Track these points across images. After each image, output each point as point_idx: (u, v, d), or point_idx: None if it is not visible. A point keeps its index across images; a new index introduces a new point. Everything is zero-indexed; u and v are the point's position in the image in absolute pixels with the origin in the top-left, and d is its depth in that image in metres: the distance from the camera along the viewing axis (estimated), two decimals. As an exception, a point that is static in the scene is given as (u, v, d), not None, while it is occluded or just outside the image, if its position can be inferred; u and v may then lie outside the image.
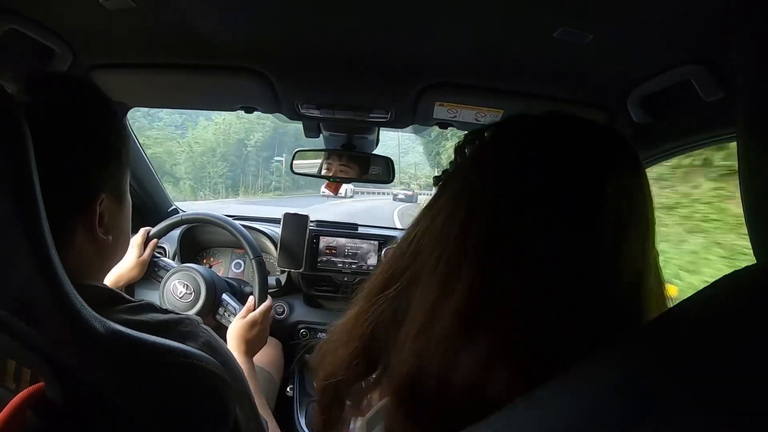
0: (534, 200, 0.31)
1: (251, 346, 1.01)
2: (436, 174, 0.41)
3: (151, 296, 1.20)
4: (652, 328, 0.27)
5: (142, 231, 1.22)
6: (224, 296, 1.19)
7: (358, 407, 0.41)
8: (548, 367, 0.27)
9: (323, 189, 1.37)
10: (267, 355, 1.33)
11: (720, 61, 0.68)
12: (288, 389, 1.41)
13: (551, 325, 0.30)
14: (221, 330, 1.09)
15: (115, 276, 1.13)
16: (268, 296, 1.17)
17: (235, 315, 1.12)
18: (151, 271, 1.20)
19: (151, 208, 1.58)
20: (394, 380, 0.35)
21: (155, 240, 1.21)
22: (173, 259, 1.47)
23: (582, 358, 0.27)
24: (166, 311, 0.54)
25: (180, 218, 1.25)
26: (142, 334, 0.47)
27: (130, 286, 1.23)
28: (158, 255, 1.23)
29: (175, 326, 0.53)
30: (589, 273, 0.30)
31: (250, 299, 1.13)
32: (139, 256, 1.16)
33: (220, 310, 1.18)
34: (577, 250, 0.30)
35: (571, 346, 0.29)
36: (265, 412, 0.84)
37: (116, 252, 0.59)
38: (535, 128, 0.35)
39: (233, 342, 1.00)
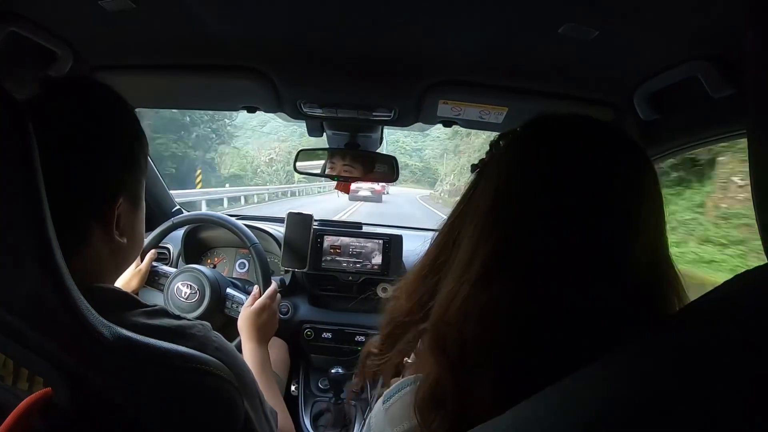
0: (555, 184, 0.38)
1: (263, 333, 1.01)
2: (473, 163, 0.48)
3: (156, 299, 1.20)
4: (670, 325, 0.28)
5: None
6: (228, 290, 1.20)
7: (413, 349, 0.50)
8: (548, 322, 0.35)
9: (334, 189, 1.37)
10: (273, 354, 1.33)
11: (727, 57, 0.66)
12: (292, 389, 1.41)
13: (557, 285, 0.36)
14: (232, 324, 1.09)
15: None
16: (272, 281, 1.17)
17: (242, 306, 1.11)
18: (151, 280, 1.20)
19: (156, 210, 1.58)
20: (432, 319, 0.42)
21: (153, 250, 1.21)
22: (177, 260, 1.47)
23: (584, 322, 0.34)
24: (179, 317, 0.55)
25: (171, 222, 1.26)
26: (150, 339, 0.47)
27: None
28: (156, 264, 1.23)
29: (188, 331, 0.53)
30: (597, 252, 0.36)
31: (255, 288, 1.13)
32: (137, 267, 1.16)
33: (228, 304, 1.19)
34: (584, 231, 0.36)
35: (574, 306, 0.35)
36: (277, 402, 0.84)
37: (130, 254, 0.61)
38: (559, 127, 0.42)
39: (245, 332, 1.00)
